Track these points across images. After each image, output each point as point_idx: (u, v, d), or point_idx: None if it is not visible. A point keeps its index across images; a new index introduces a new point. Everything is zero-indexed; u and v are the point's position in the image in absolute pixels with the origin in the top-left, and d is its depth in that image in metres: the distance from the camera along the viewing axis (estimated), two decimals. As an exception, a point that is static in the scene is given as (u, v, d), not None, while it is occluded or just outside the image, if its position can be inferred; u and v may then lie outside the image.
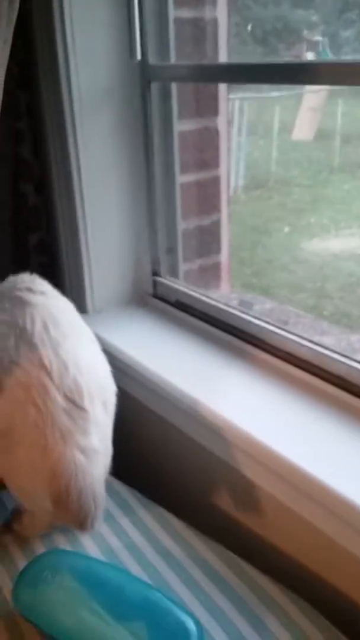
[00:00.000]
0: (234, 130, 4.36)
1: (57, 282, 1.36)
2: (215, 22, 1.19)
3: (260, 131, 4.82)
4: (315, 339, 1.04)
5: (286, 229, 4.09)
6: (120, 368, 1.17)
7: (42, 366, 0.83)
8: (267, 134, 4.71)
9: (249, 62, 1.00)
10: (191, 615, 0.76)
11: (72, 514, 0.82)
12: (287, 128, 4.69)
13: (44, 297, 0.92)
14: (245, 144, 4.48)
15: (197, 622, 0.75)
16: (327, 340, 1.16)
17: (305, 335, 1.06)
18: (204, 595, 0.83)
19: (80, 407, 0.84)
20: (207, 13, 1.18)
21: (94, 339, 0.96)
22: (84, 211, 1.22)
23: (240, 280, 3.51)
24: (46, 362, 0.83)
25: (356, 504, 0.75)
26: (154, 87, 1.16)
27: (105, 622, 0.75)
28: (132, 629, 0.73)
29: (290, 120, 4.67)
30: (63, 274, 1.33)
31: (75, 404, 0.84)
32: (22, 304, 0.88)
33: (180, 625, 0.73)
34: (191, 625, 0.73)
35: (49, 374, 0.83)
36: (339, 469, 0.81)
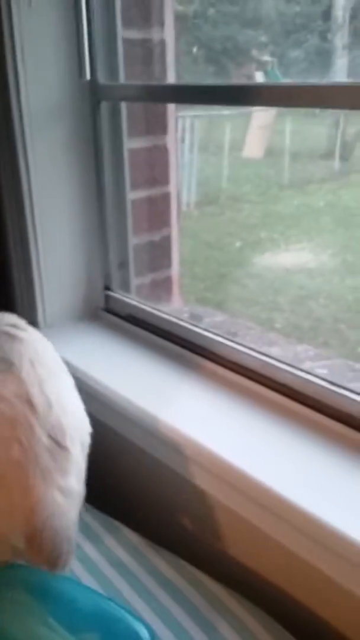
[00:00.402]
0: (186, 147, 4.42)
1: (8, 296, 1.37)
2: (163, 43, 1.22)
3: (212, 148, 4.91)
4: (264, 349, 1.07)
5: (238, 244, 4.17)
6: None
7: (29, 402, 0.82)
8: (218, 151, 4.80)
9: (197, 84, 1.03)
10: (144, 623, 0.77)
11: (45, 554, 0.80)
12: (237, 146, 4.79)
13: (28, 335, 0.92)
14: (197, 161, 4.55)
15: (151, 630, 0.76)
16: (275, 351, 1.20)
17: (254, 346, 1.09)
18: (156, 603, 0.84)
19: (62, 447, 0.83)
20: (155, 34, 1.21)
21: (71, 378, 0.96)
22: (34, 226, 1.23)
23: (195, 294, 3.55)
24: (33, 398, 0.82)
25: (301, 507, 0.78)
26: (104, 106, 1.18)
27: (59, 634, 0.75)
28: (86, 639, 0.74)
29: (241, 138, 4.77)
30: (14, 288, 1.33)
31: (57, 443, 0.83)
32: (11, 338, 0.88)
33: (133, 633, 0.74)
34: (144, 632, 0.74)
35: (34, 411, 0.82)
36: (285, 473, 0.84)
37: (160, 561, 0.92)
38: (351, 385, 0.90)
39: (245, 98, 0.99)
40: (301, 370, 0.98)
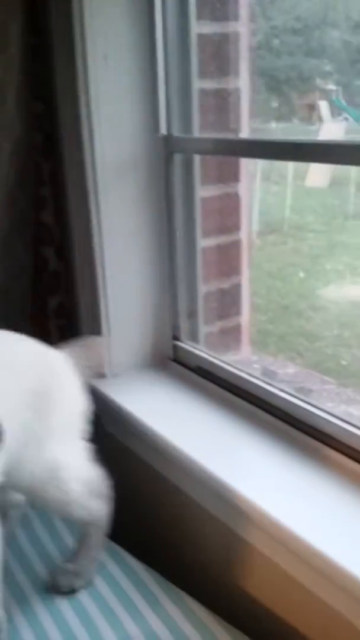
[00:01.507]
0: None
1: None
2: (238, 92, 1.20)
3: (274, 177, 4.87)
4: (342, 407, 1.01)
5: (301, 275, 4.09)
6: (137, 435, 1.15)
7: None
8: (281, 180, 4.75)
9: (268, 139, 1.01)
10: None
11: None
12: (301, 175, 4.73)
13: None
14: (259, 190, 4.52)
15: None
16: (353, 410, 1.13)
17: (331, 406, 1.03)
18: None
19: None
20: (230, 83, 1.19)
21: None
22: (104, 276, 1.22)
23: (256, 327, 3.48)
24: None
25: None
26: (177, 157, 1.16)
27: None
28: None
29: (304, 167, 4.71)
30: (83, 337, 1.32)
31: None
32: None
33: None
34: None
35: None
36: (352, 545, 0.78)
37: (225, 636, 0.87)
38: None
39: (317, 155, 0.96)
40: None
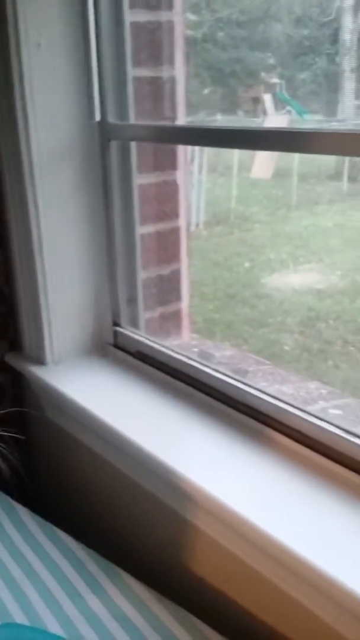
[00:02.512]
0: (195, 168, 4.43)
1: (17, 334, 1.36)
2: (173, 80, 1.22)
3: (220, 169, 4.92)
4: (275, 387, 1.05)
5: (247, 264, 4.16)
6: (80, 421, 1.17)
7: None
8: (227, 171, 4.81)
9: (205, 126, 1.03)
10: None
11: None
12: (246, 166, 4.80)
13: None
14: (205, 181, 4.56)
15: None
16: (286, 389, 1.18)
17: (264, 385, 1.07)
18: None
19: None
20: (165, 72, 1.21)
21: None
22: (43, 264, 1.22)
23: (203, 315, 3.54)
24: None
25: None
26: (114, 144, 1.18)
27: None
28: None
29: (249, 159, 4.77)
30: (21, 325, 1.32)
31: None
32: None
33: None
34: None
35: None
36: (287, 520, 0.82)
37: (165, 614, 0.90)
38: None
39: (253, 142, 0.99)
40: (314, 415, 0.96)
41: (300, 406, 1.00)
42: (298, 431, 0.96)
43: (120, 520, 1.17)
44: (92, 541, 1.07)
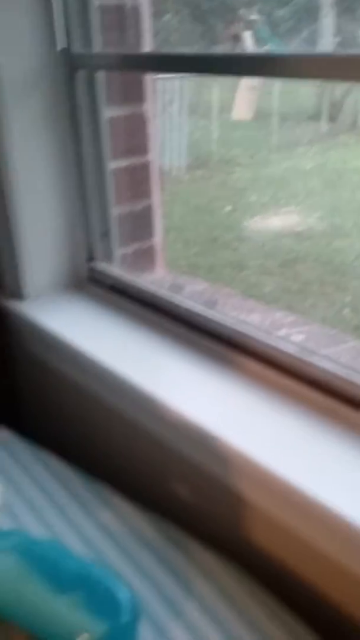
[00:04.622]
0: (174, 110, 4.36)
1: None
2: (137, 9, 1.21)
3: (201, 111, 4.84)
4: (242, 316, 1.09)
5: (228, 208, 4.15)
6: (59, 352, 1.21)
7: None
8: (208, 113, 4.74)
9: (172, 53, 1.02)
10: (125, 584, 0.80)
11: None
12: (227, 107, 4.73)
13: None
14: (186, 123, 4.50)
15: (131, 590, 0.79)
16: (254, 318, 1.22)
17: (234, 314, 1.10)
18: (139, 564, 0.88)
19: None
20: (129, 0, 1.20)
21: None
22: (14, 199, 1.23)
23: (186, 260, 3.55)
24: None
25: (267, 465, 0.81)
26: (80, 75, 1.17)
27: (45, 595, 0.79)
28: (70, 599, 0.78)
29: (230, 99, 4.70)
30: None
31: None
32: None
33: (114, 593, 0.78)
34: (125, 593, 0.78)
35: None
36: (261, 438, 0.87)
37: (144, 523, 0.96)
38: (324, 351, 0.92)
39: (221, 68, 0.99)
40: (276, 338, 1.00)
41: (265, 332, 1.04)
42: (262, 354, 1.01)
43: (104, 448, 1.22)
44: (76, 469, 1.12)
